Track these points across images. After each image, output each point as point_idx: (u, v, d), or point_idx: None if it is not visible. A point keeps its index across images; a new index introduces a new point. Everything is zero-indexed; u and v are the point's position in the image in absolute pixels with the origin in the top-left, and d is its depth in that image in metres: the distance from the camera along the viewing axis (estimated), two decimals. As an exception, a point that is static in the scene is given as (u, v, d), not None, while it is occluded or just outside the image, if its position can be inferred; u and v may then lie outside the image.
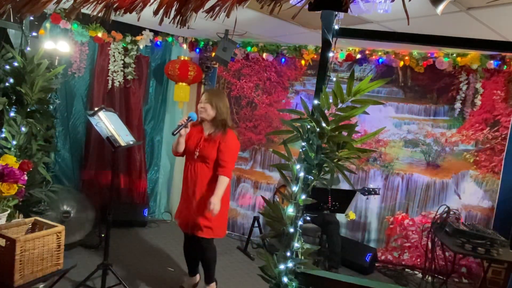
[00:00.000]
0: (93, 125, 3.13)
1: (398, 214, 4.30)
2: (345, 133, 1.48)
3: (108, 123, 3.04)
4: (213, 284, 3.24)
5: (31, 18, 3.35)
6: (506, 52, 3.59)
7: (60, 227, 2.11)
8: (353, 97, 1.46)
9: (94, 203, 4.12)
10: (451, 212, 3.49)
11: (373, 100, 1.46)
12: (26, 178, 2.32)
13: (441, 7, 1.32)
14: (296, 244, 1.54)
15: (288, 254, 1.54)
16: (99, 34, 4.28)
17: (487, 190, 3.93)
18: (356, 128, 1.47)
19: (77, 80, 4.35)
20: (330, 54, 1.54)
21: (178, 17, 1.36)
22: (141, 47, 4.63)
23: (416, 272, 4.18)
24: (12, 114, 2.88)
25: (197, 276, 3.38)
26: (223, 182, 2.85)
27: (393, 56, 4.10)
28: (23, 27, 3.19)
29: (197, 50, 5.01)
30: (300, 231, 1.57)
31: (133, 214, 4.75)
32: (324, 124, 1.46)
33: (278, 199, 4.12)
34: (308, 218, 1.61)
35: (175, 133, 2.82)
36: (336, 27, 1.53)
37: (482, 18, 2.70)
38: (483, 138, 3.93)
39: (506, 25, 2.80)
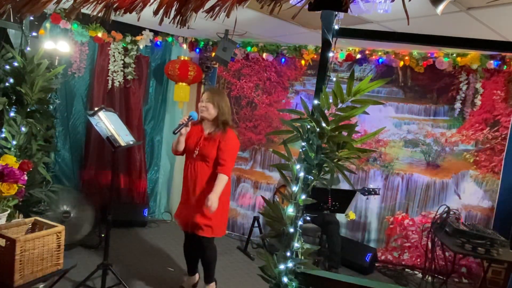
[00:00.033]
0: (93, 125, 3.13)
1: (398, 214, 4.30)
2: (345, 133, 1.48)
3: (108, 123, 3.04)
4: (212, 284, 3.24)
5: (31, 18, 3.35)
6: (506, 52, 3.59)
7: (60, 227, 2.11)
8: (353, 97, 1.46)
9: (94, 203, 4.12)
10: (451, 212, 3.49)
11: (373, 100, 1.46)
12: (26, 178, 2.32)
13: (441, 7, 1.32)
14: (296, 244, 1.54)
15: (288, 254, 1.54)
16: (99, 34, 4.28)
17: (487, 190, 3.93)
18: (356, 128, 1.47)
19: (77, 80, 4.35)
20: (330, 54, 1.54)
21: (178, 17, 1.36)
22: (141, 47, 4.63)
23: (416, 272, 4.18)
24: (12, 114, 2.88)
25: (197, 275, 3.38)
26: (222, 180, 2.85)
27: (393, 56, 4.10)
28: (23, 27, 3.19)
29: (197, 50, 5.01)
30: (300, 231, 1.57)
31: (133, 214, 4.75)
32: (324, 124, 1.46)
33: (278, 199, 4.12)
34: (308, 218, 1.61)
35: (176, 132, 2.83)
36: (336, 27, 1.53)
37: (482, 18, 2.70)
38: (483, 138, 3.93)
39: (506, 25, 2.80)
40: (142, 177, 4.92)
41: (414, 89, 4.22)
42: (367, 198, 4.26)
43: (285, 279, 1.53)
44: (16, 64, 2.88)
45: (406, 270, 4.23)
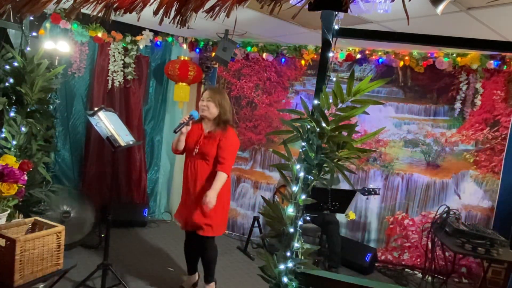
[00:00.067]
0: (93, 125, 3.13)
1: (398, 214, 4.30)
2: (345, 133, 1.48)
3: (108, 123, 3.05)
4: (212, 284, 3.24)
5: (31, 18, 3.35)
6: (506, 52, 3.59)
7: (60, 227, 2.11)
8: (353, 97, 1.46)
9: (94, 203, 4.12)
10: (451, 212, 3.49)
11: (373, 100, 1.46)
12: (26, 178, 2.32)
13: (441, 7, 1.32)
14: (296, 244, 1.54)
15: (288, 254, 1.54)
16: (99, 34, 4.28)
17: (487, 190, 3.93)
18: (356, 128, 1.47)
19: (77, 80, 4.35)
20: (330, 54, 1.54)
21: (178, 17, 1.36)
22: (141, 47, 4.63)
23: (416, 272, 4.18)
24: (12, 114, 2.88)
25: (196, 274, 3.38)
26: (221, 177, 2.85)
27: (393, 56, 4.10)
28: (23, 27, 3.19)
29: (197, 50, 5.01)
30: (300, 231, 1.57)
31: (133, 214, 4.75)
32: (324, 124, 1.46)
33: (278, 199, 4.12)
34: (308, 218, 1.61)
35: (176, 131, 2.84)
36: (336, 27, 1.53)
37: (482, 18, 2.70)
38: (483, 138, 3.93)
39: (506, 25, 2.80)
40: (142, 177, 4.92)
41: (414, 89, 4.22)
42: (367, 198, 4.26)
43: (285, 279, 1.53)
44: (16, 64, 2.88)
45: (406, 270, 4.23)
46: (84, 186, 4.50)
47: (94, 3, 1.39)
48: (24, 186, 2.32)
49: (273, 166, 3.73)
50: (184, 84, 4.70)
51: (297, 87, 4.67)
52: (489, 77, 3.89)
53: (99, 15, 1.40)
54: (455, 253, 3.33)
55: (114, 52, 4.49)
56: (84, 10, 1.44)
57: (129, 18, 4.02)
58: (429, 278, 3.86)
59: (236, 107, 4.88)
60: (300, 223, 1.56)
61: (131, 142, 3.20)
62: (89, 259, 3.67)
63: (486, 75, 3.89)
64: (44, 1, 1.41)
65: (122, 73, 4.59)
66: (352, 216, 4.03)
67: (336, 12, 1.49)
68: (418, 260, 4.17)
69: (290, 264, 1.53)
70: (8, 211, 2.25)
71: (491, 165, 3.91)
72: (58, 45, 3.75)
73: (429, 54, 3.99)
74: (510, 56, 3.71)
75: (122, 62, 4.56)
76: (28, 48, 3.17)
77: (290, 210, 1.53)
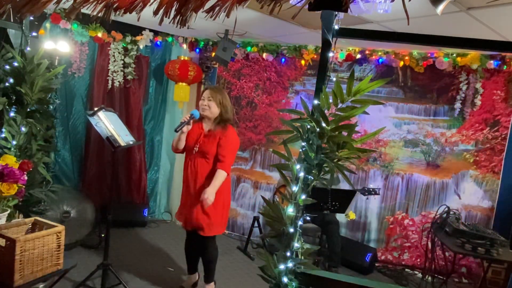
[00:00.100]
0: (93, 125, 3.13)
1: (398, 214, 4.30)
2: (345, 133, 1.48)
3: (107, 123, 3.05)
4: (212, 284, 3.24)
5: (31, 18, 3.35)
6: (506, 52, 3.59)
7: (60, 227, 2.11)
8: (353, 97, 1.46)
9: (94, 203, 4.12)
10: (451, 212, 3.49)
11: (373, 100, 1.46)
12: (26, 178, 2.32)
13: (441, 7, 1.32)
14: (296, 244, 1.54)
15: (288, 254, 1.54)
16: (99, 34, 4.28)
17: (487, 190, 3.93)
18: (356, 128, 1.47)
19: (77, 80, 4.35)
20: (330, 54, 1.54)
21: (178, 17, 1.36)
22: (141, 47, 4.63)
23: (416, 272, 4.18)
24: (12, 114, 2.88)
25: (196, 274, 3.38)
26: (220, 175, 2.85)
27: (393, 56, 4.10)
28: (23, 27, 3.19)
29: (197, 50, 5.01)
30: (300, 231, 1.57)
31: (133, 214, 4.75)
32: (324, 124, 1.46)
33: (278, 199, 4.12)
34: (308, 218, 1.61)
35: (177, 130, 2.84)
36: (336, 27, 1.53)
37: (482, 18, 2.70)
38: (483, 138, 3.93)
39: (506, 25, 2.80)
40: (142, 177, 4.92)
41: (414, 89, 4.22)
42: (367, 198, 4.26)
43: (285, 279, 1.53)
44: (16, 64, 2.88)
45: (406, 270, 4.23)
46: (84, 186, 4.50)
47: (94, 3, 1.39)
48: (24, 186, 2.32)
49: (273, 166, 3.73)
50: (184, 84, 4.70)
51: (297, 87, 4.67)
52: (489, 77, 3.89)
53: (99, 15, 1.40)
54: (455, 253, 3.33)
55: (114, 52, 4.49)
56: (84, 10, 1.44)
57: (129, 18, 4.02)
58: (429, 278, 3.86)
59: (236, 107, 4.88)
60: (300, 223, 1.56)
61: (131, 142, 3.20)
62: (89, 259, 3.67)
63: (486, 75, 3.89)
64: (44, 1, 1.41)
65: (122, 73, 4.59)
66: (352, 216, 4.03)
67: (336, 12, 1.49)
68: (418, 260, 4.17)
69: (290, 264, 1.53)
70: (8, 211, 2.25)
71: (491, 165, 3.91)
72: (58, 45, 3.75)
73: (429, 54, 3.99)
74: (510, 56, 3.71)
75: (122, 62, 4.56)
76: (28, 48, 3.17)
77: (290, 210, 1.53)
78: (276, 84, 4.74)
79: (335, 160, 1.50)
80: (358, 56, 4.26)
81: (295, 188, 1.53)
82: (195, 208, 2.91)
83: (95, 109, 3.07)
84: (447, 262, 3.88)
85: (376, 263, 4.27)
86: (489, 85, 3.89)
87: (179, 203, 3.13)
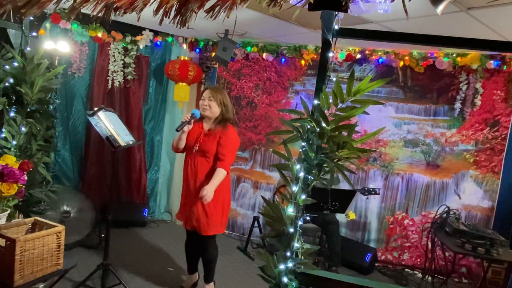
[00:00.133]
0: (93, 125, 3.13)
1: (398, 214, 4.30)
2: (345, 133, 1.48)
3: (107, 123, 3.05)
4: (212, 284, 3.24)
5: (31, 18, 3.35)
6: (506, 52, 3.59)
7: (60, 227, 2.11)
8: (353, 97, 1.46)
9: (94, 203, 4.12)
10: (451, 212, 3.49)
11: (373, 100, 1.46)
12: (26, 178, 2.32)
13: (441, 7, 1.32)
14: (296, 244, 1.54)
15: (288, 254, 1.54)
16: (99, 34, 4.28)
17: (487, 190, 3.93)
18: (356, 128, 1.47)
19: (77, 80, 4.35)
20: (330, 54, 1.54)
21: (178, 17, 1.36)
22: (141, 47, 4.63)
23: (416, 272, 4.18)
24: (12, 114, 2.88)
25: (196, 274, 3.38)
26: (220, 173, 2.85)
27: (393, 56, 4.10)
28: (23, 27, 3.19)
29: (197, 50, 5.01)
30: (300, 231, 1.57)
31: (133, 214, 4.75)
32: (324, 124, 1.46)
33: (278, 199, 4.12)
34: (308, 218, 1.61)
35: (179, 129, 2.84)
36: (336, 27, 1.53)
37: (482, 18, 2.70)
38: (483, 138, 3.93)
39: (506, 25, 2.80)
40: (142, 177, 4.92)
41: (414, 89, 4.22)
42: (367, 198, 4.26)
43: (285, 279, 1.53)
44: (16, 64, 2.88)
45: (406, 270, 4.23)
46: (84, 186, 4.50)
47: (94, 3, 1.39)
48: (24, 186, 2.32)
49: (273, 166, 3.73)
50: (184, 84, 4.70)
51: (297, 87, 4.67)
52: (489, 77, 3.89)
53: (99, 15, 1.40)
54: (455, 253, 3.33)
55: (114, 52, 4.49)
56: (84, 10, 1.44)
57: (129, 18, 4.02)
58: (429, 278, 3.86)
59: (236, 107, 4.88)
60: (300, 223, 1.56)
61: (131, 142, 3.20)
62: (89, 259, 3.67)
63: (486, 75, 3.89)
64: (44, 1, 1.41)
65: (122, 73, 4.59)
66: (352, 216, 4.03)
67: (336, 12, 1.49)
68: (418, 260, 4.17)
69: (290, 264, 1.53)
70: (8, 211, 2.25)
71: (491, 165, 3.91)
72: (58, 45, 3.75)
73: (429, 54, 3.99)
74: (510, 56, 3.71)
75: (122, 62, 4.56)
76: (28, 48, 3.17)
77: (290, 210, 1.53)
78: (276, 84, 4.74)
79: (335, 160, 1.50)
80: (358, 56, 4.26)
81: (295, 188, 1.53)
82: (195, 207, 2.92)
83: (95, 109, 3.07)
84: (447, 262, 3.88)
85: (376, 263, 4.27)
86: (489, 85, 3.89)
87: (179, 203, 3.13)
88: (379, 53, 4.17)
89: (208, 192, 2.77)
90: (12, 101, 2.91)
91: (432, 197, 4.17)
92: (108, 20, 1.42)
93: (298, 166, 1.52)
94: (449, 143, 4.08)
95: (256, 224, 4.47)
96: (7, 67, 2.89)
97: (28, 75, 2.85)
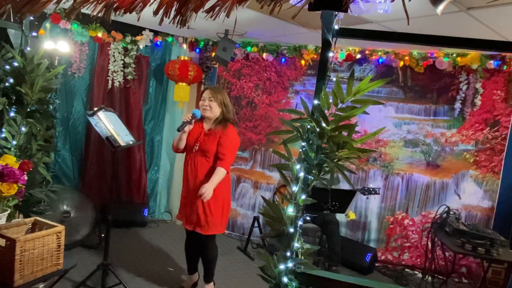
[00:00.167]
0: (93, 125, 3.13)
1: (398, 214, 4.30)
2: (345, 133, 1.48)
3: (107, 123, 3.05)
4: (212, 284, 3.24)
5: (31, 18, 3.35)
6: (506, 52, 3.59)
7: (60, 227, 2.11)
8: (353, 97, 1.46)
9: (94, 203, 4.12)
10: (451, 212, 3.49)
11: (373, 100, 1.46)
12: (26, 178, 2.32)
13: (441, 7, 1.32)
14: (296, 244, 1.54)
15: (288, 254, 1.54)
16: (99, 34, 4.28)
17: (487, 190, 3.93)
18: (356, 128, 1.47)
19: (77, 80, 4.35)
20: (330, 54, 1.54)
21: (178, 17, 1.36)
22: (141, 47, 4.63)
23: (416, 272, 4.18)
24: (12, 114, 2.88)
25: (196, 274, 3.38)
26: (220, 172, 2.86)
27: (393, 56, 4.10)
28: (23, 27, 3.19)
29: (197, 50, 5.01)
30: (300, 231, 1.57)
31: (133, 214, 4.75)
32: (324, 124, 1.46)
33: (278, 199, 4.12)
34: (308, 218, 1.61)
35: (179, 129, 2.85)
36: (336, 27, 1.53)
37: (482, 18, 2.70)
38: (483, 138, 3.93)
39: (506, 25, 2.80)
40: (142, 177, 4.92)
41: (414, 89, 4.22)
42: (367, 198, 4.26)
43: (285, 279, 1.53)
44: (16, 64, 2.88)
45: (406, 270, 4.23)
46: (84, 186, 4.50)
47: (94, 3, 1.39)
48: (24, 186, 2.32)
49: (273, 166, 3.73)
50: (184, 84, 4.70)
51: (297, 87, 4.67)
52: (489, 77, 3.89)
53: (99, 15, 1.40)
54: (455, 253, 3.33)
55: (114, 52, 4.49)
56: (84, 10, 1.44)
57: (129, 18, 4.02)
58: (429, 278, 3.86)
59: (236, 107, 4.88)
60: (300, 223, 1.56)
61: (131, 142, 3.20)
62: (89, 259, 3.67)
63: (486, 75, 3.89)
64: (44, 1, 1.41)
65: (122, 73, 4.59)
66: (352, 216, 4.03)
67: (336, 12, 1.49)
68: (418, 260, 4.17)
69: (290, 264, 1.53)
70: (8, 211, 2.25)
71: (491, 165, 3.91)
72: (58, 45, 3.75)
73: (429, 54, 3.99)
74: (510, 56, 3.71)
75: (122, 62, 4.56)
76: (28, 48, 3.17)
77: (290, 210, 1.53)
78: (276, 84, 4.74)
79: (335, 160, 1.50)
80: (358, 56, 4.26)
81: (295, 188, 1.53)
82: (195, 207, 2.92)
83: (95, 109, 3.07)
84: (447, 262, 3.88)
85: (376, 263, 4.27)
86: (489, 85, 3.89)
87: (179, 203, 3.13)
88: (379, 53, 4.17)
89: (208, 189, 2.78)
90: (12, 101, 2.91)
91: (432, 197, 4.17)
92: (108, 20, 1.42)
93: (298, 166, 1.52)
94: (449, 143, 4.08)
95: (256, 224, 4.47)
96: (7, 67, 2.89)
97: (28, 75, 2.84)
